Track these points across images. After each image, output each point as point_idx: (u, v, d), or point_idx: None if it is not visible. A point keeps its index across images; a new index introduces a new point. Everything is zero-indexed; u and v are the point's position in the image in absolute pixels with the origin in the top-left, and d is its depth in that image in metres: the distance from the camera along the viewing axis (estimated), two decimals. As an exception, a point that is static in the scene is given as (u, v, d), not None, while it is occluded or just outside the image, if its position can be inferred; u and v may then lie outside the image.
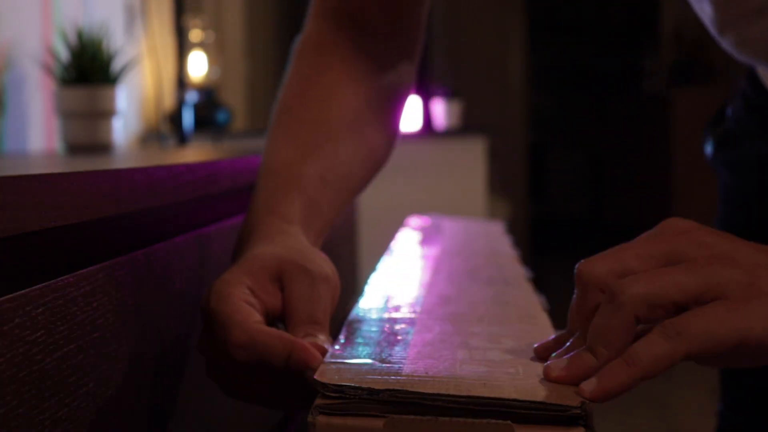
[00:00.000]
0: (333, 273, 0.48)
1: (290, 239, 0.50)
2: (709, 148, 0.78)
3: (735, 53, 0.67)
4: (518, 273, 0.67)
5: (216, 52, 2.38)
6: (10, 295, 0.33)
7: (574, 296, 0.42)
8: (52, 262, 0.40)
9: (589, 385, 0.36)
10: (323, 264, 0.48)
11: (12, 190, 0.33)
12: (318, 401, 0.36)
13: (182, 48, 1.88)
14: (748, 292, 0.38)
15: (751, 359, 0.40)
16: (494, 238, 0.89)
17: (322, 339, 0.44)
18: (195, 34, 2.27)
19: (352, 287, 1.44)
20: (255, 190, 0.56)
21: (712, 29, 0.67)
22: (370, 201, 2.03)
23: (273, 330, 0.43)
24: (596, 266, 0.40)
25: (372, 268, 0.66)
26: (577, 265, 0.41)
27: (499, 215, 2.60)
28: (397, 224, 1.01)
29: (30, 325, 0.34)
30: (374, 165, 0.65)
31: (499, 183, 3.28)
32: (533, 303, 0.55)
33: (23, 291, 0.34)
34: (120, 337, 0.43)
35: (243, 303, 0.44)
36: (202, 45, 2.28)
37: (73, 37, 1.28)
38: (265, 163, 0.58)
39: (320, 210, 0.56)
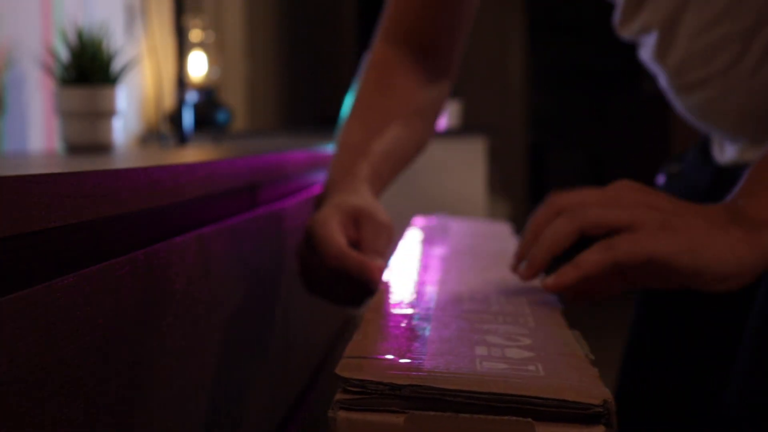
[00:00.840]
0: (389, 221, 0.69)
1: (363, 194, 0.71)
2: (661, 179, 0.93)
3: (685, 115, 0.84)
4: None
5: (216, 52, 2.38)
6: (10, 295, 0.33)
7: (538, 211, 0.59)
8: (52, 262, 0.40)
9: (549, 280, 0.55)
10: (383, 215, 0.69)
11: (12, 190, 0.33)
12: (338, 396, 0.36)
13: (182, 48, 1.88)
14: (661, 226, 0.55)
15: (662, 278, 0.56)
16: (502, 238, 0.89)
17: (382, 263, 0.63)
18: (195, 34, 2.27)
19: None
20: (332, 160, 0.78)
21: (668, 93, 0.84)
22: (370, 201, 2.02)
23: (353, 251, 0.63)
24: (565, 197, 0.59)
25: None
26: (550, 195, 0.59)
27: (499, 215, 2.60)
28: (397, 224, 1.02)
29: (30, 325, 0.34)
30: (418, 151, 0.88)
31: (499, 183, 3.27)
32: (547, 302, 0.55)
33: (23, 291, 0.34)
34: (120, 337, 0.43)
35: (336, 230, 0.64)
36: (202, 45, 2.28)
37: (73, 37, 1.28)
38: (342, 140, 0.80)
39: (381, 177, 0.78)
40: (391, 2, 0.88)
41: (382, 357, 0.39)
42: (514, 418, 0.34)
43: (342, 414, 0.35)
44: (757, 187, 0.61)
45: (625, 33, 0.87)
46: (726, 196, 0.62)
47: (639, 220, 0.55)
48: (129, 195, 0.45)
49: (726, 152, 0.83)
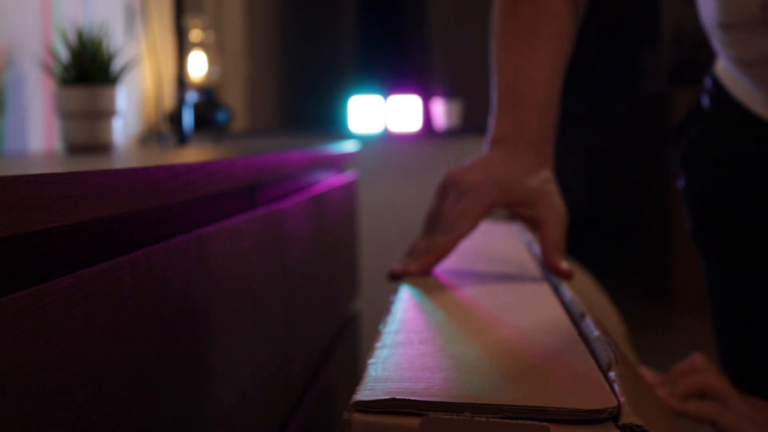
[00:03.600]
0: None
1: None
2: (678, 152, 0.94)
3: (729, 66, 0.87)
4: (538, 276, 0.68)
5: (216, 52, 2.38)
6: (11, 295, 0.33)
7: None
8: (52, 262, 0.40)
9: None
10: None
11: (12, 190, 0.33)
12: (355, 397, 0.36)
13: (182, 48, 1.88)
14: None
15: None
16: (510, 240, 0.89)
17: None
18: (195, 34, 2.27)
19: (352, 287, 1.44)
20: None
21: (715, 40, 0.85)
22: (370, 201, 2.03)
23: None
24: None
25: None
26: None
27: (499, 215, 2.59)
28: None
29: (30, 325, 0.34)
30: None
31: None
32: (554, 306, 0.55)
33: (23, 291, 0.34)
34: (120, 337, 0.43)
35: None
36: (202, 45, 2.28)
37: (73, 37, 1.28)
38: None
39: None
40: None
41: (398, 384, 0.39)
42: (530, 422, 0.34)
43: (357, 416, 0.35)
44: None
45: None
46: None
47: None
48: (129, 195, 0.45)
49: None
